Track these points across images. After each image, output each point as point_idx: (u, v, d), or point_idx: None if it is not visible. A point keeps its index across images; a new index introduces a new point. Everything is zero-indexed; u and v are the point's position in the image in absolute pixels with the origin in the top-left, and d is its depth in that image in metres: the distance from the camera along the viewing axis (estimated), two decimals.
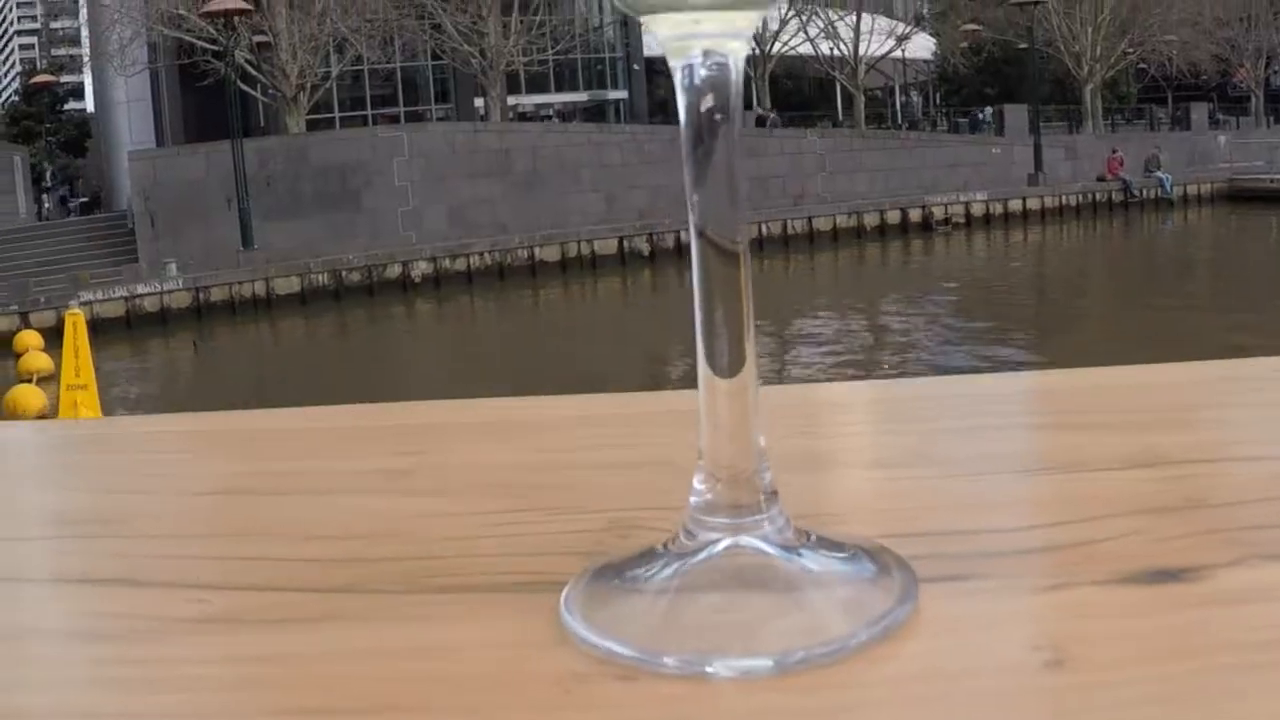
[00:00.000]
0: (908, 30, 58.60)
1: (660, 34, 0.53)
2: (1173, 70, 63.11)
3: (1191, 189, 49.28)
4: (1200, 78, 65.36)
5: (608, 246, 35.05)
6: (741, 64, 0.53)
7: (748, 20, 0.53)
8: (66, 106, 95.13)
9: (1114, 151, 48.04)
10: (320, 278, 32.00)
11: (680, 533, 0.55)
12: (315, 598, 0.59)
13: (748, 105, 57.76)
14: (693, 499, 0.54)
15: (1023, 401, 1.00)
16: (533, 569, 0.59)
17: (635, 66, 60.74)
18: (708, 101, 0.52)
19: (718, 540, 0.54)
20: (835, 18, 53.69)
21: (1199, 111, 61.77)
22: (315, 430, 1.00)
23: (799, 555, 0.54)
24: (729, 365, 0.53)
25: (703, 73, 0.52)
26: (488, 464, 0.84)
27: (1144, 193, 47.10)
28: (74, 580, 0.67)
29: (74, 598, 0.64)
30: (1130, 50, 60.21)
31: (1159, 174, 47.84)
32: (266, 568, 0.64)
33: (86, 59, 57.89)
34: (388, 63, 50.96)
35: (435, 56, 50.32)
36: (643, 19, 0.53)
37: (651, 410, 0.98)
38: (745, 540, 0.53)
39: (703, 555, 0.53)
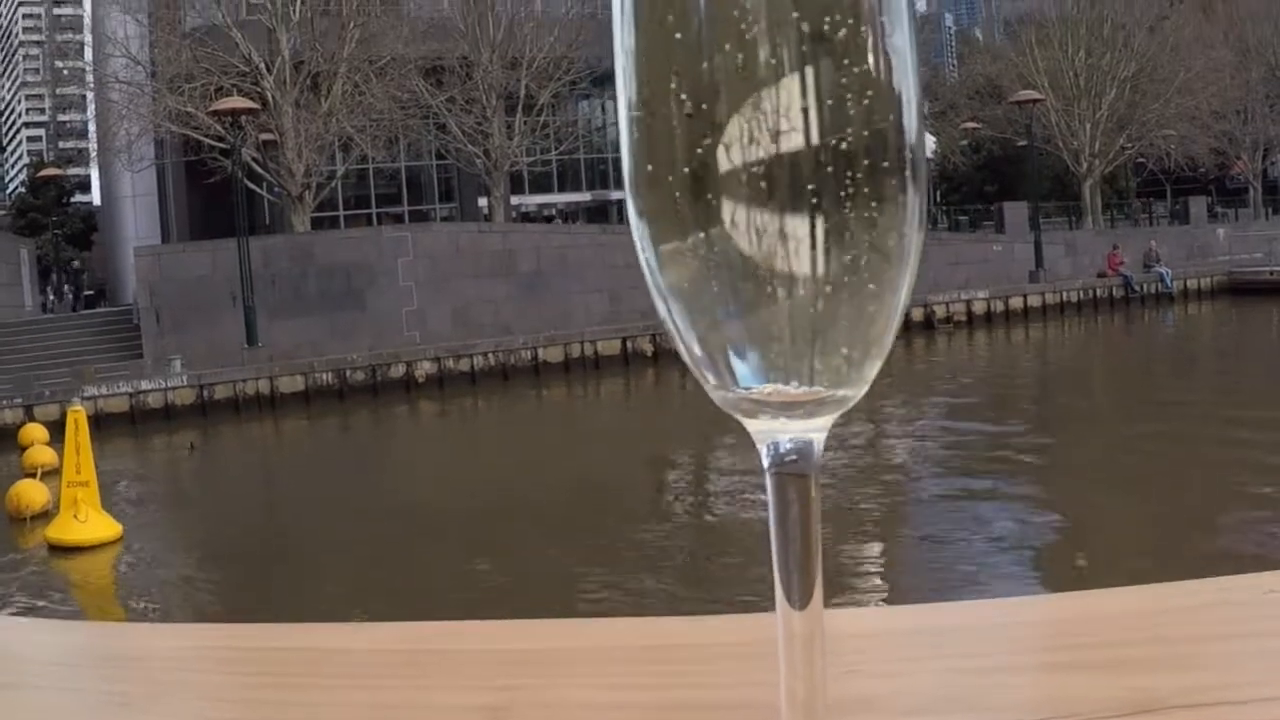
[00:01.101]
0: None
1: (750, 428, 0.63)
2: (1171, 164, 63.43)
3: (1191, 283, 49.46)
4: (1199, 170, 65.74)
5: (611, 347, 34.98)
6: (823, 442, 0.63)
7: (829, 419, 0.63)
8: (73, 199, 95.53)
9: (1114, 248, 48.31)
10: (324, 377, 32.02)
11: None
12: None
13: None
14: None
15: (1034, 635, 1.09)
16: None
17: None
18: (790, 457, 0.62)
19: None
20: None
21: (1197, 205, 62.11)
22: (405, 654, 1.07)
23: None
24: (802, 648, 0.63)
25: (788, 445, 0.62)
26: (575, 702, 0.92)
27: (1144, 288, 47.32)
28: None
29: None
30: (1129, 145, 60.65)
31: (1159, 268, 48.09)
32: None
33: (94, 153, 58.14)
34: (393, 162, 51.37)
35: (440, 156, 50.72)
36: (737, 417, 0.63)
37: (718, 641, 1.07)
38: None
39: None
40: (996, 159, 67.19)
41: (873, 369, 0.62)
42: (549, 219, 59.72)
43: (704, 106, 0.58)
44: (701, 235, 0.58)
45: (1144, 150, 63.14)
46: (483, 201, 51.73)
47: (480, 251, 37.65)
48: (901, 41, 0.60)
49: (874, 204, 0.59)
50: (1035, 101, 49.27)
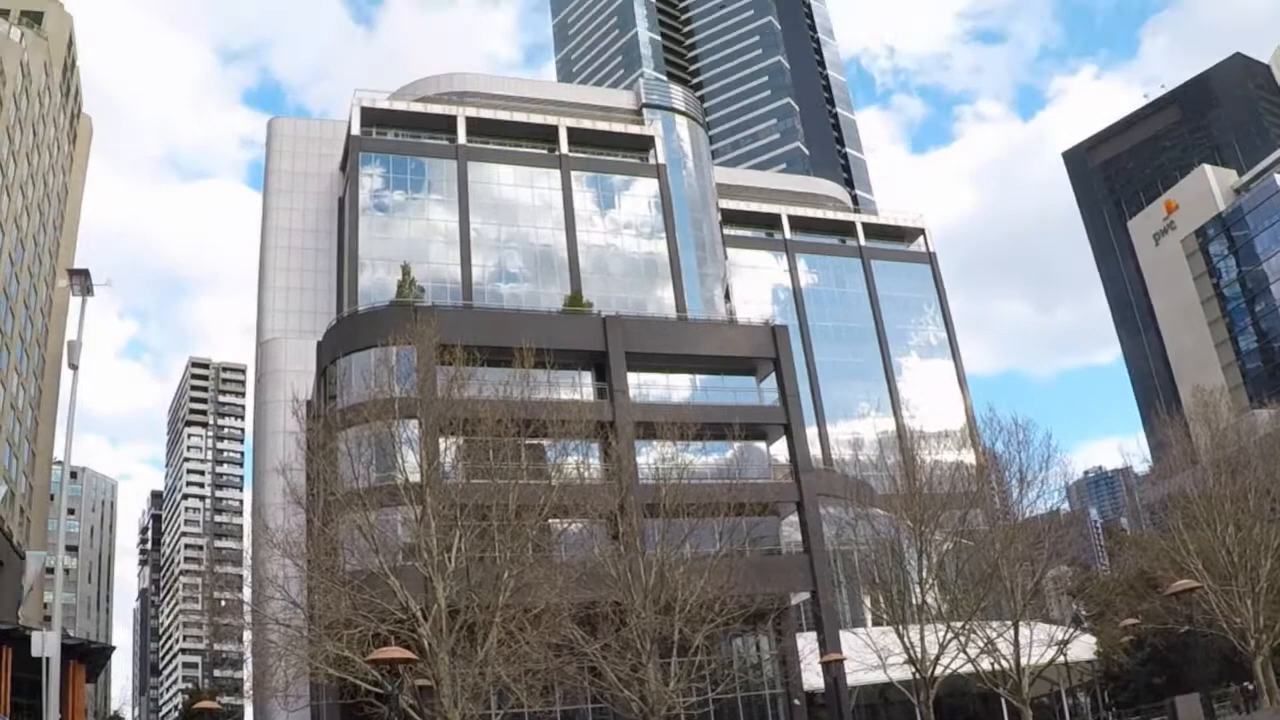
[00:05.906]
0: (1068, 634, 57.59)
1: None
2: None
3: None
4: None
5: None
6: None
7: None
8: None
9: None
10: None
11: None
12: None
13: None
14: None
15: None
16: None
17: (796, 701, 60.16)
18: None
19: None
20: (994, 633, 53.05)
21: None
22: None
23: None
24: None
25: None
26: None
27: None
28: None
29: None
30: None
31: None
32: None
33: (248, 689, 58.66)
34: (548, 708, 50.91)
35: (594, 700, 50.35)
36: None
37: None
38: None
39: None
40: (1160, 650, 65.35)
41: None
42: None
43: None
44: None
45: None
46: None
47: None
48: None
49: None
50: (1192, 590, 48.09)
